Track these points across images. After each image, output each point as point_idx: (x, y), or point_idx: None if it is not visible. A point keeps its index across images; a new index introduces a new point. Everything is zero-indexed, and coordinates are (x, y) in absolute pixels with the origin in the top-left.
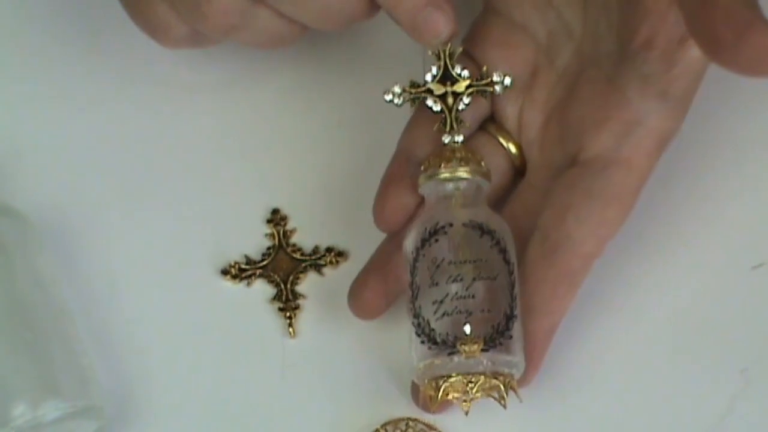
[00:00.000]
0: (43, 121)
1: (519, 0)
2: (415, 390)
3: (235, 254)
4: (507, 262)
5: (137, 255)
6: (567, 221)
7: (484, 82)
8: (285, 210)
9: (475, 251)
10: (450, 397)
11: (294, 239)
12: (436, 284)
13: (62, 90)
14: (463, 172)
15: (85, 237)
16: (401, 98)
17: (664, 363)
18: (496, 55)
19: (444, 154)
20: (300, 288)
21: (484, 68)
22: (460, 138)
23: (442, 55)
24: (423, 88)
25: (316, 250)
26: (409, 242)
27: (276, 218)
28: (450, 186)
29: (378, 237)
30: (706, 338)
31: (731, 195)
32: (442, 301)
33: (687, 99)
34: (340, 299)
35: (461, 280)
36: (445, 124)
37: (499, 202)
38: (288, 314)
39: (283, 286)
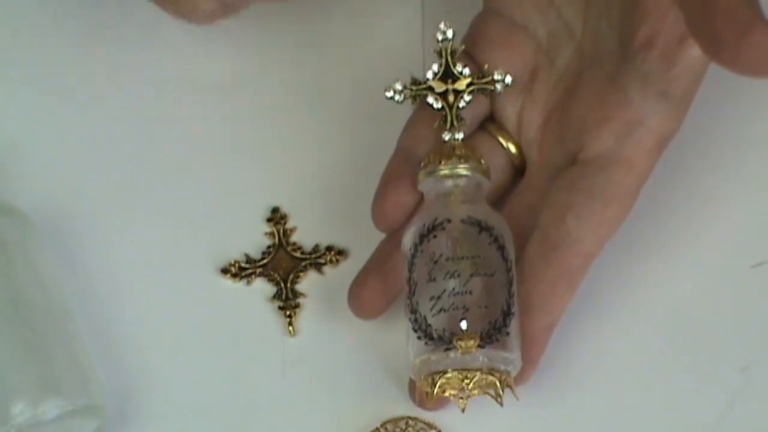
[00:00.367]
0: (43, 120)
1: (519, 0)
2: (412, 387)
3: (235, 253)
4: (505, 259)
5: (137, 254)
6: (567, 220)
7: (485, 80)
8: (285, 209)
9: (473, 248)
10: (446, 394)
11: (294, 238)
12: (434, 280)
13: (62, 89)
14: (462, 169)
15: (85, 236)
16: (402, 95)
17: (664, 362)
18: (496, 55)
19: (444, 151)
20: (300, 287)
21: (485, 66)
22: (460, 135)
23: (443, 53)
24: (424, 86)
25: (316, 248)
26: (408, 238)
27: (276, 217)
28: (449, 183)
29: (378, 235)
30: (706, 337)
31: (730, 194)
32: (439, 297)
33: (687, 99)
34: (340, 298)
35: (459, 276)
36: (445, 122)
37: (498, 201)
38: (288, 313)
39: (283, 284)
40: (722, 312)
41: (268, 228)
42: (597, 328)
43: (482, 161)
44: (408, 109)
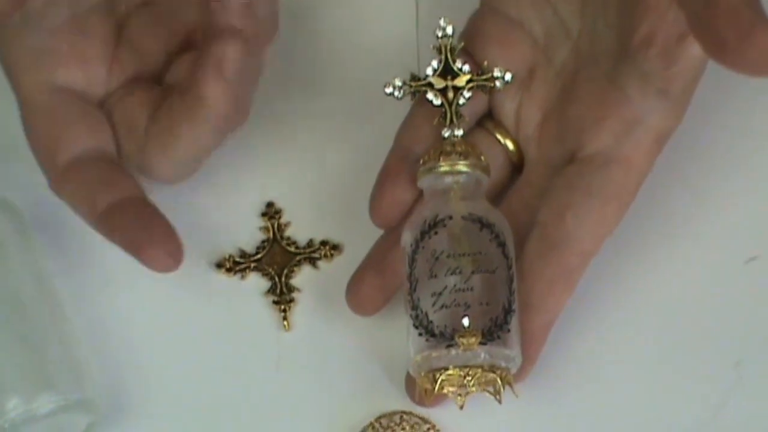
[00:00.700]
0: None
1: None
2: (409, 383)
3: (229, 247)
4: (506, 256)
5: None
6: (566, 219)
7: (484, 77)
8: (279, 203)
9: (475, 244)
10: (445, 391)
11: (288, 232)
12: (435, 276)
13: None
14: (462, 166)
15: (79, 231)
16: (402, 91)
17: (659, 357)
18: (494, 52)
19: (443, 148)
20: (294, 281)
21: (485, 63)
22: (459, 132)
23: (443, 50)
24: (424, 82)
25: (310, 243)
26: (408, 234)
27: (270, 211)
28: (449, 179)
29: (373, 231)
30: (700, 332)
31: (724, 190)
32: (440, 294)
33: (686, 97)
34: (334, 293)
35: (460, 272)
36: (444, 119)
37: (495, 198)
38: (282, 307)
39: (277, 279)
40: (716, 307)
41: (262, 222)
42: (590, 324)
43: (482, 158)
44: (402, 104)
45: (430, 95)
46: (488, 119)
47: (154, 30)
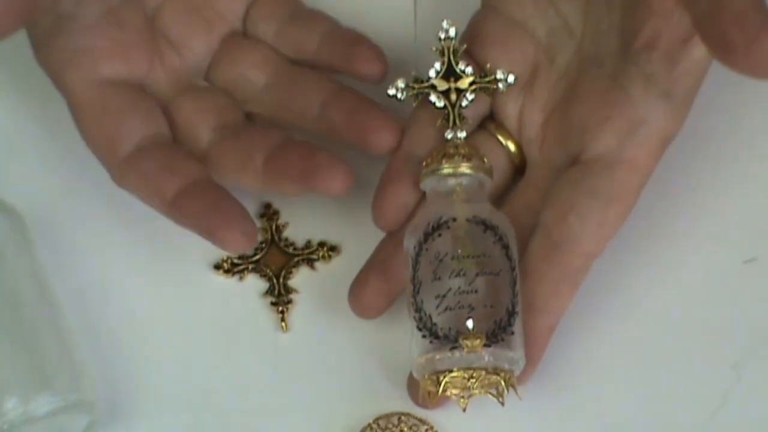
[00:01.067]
0: (35, 116)
1: None
2: (411, 385)
3: None
4: (509, 258)
5: (130, 249)
6: (569, 220)
7: (487, 79)
8: (277, 204)
9: (479, 247)
10: (448, 393)
11: (286, 234)
12: (439, 279)
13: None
14: (465, 168)
15: (77, 231)
16: (404, 93)
17: (658, 358)
18: (495, 54)
19: (446, 150)
20: (292, 282)
21: (488, 65)
22: (462, 134)
23: (445, 51)
24: (427, 84)
25: (308, 244)
26: (411, 237)
27: (268, 213)
28: (452, 181)
29: (371, 232)
30: (699, 333)
31: (723, 190)
32: (444, 296)
33: (689, 98)
34: (332, 294)
35: (464, 275)
36: (447, 121)
37: (498, 200)
38: (280, 308)
39: (275, 280)
40: (714, 307)
41: (260, 224)
42: (590, 325)
43: (485, 160)
44: (397, 104)
45: (432, 97)
46: (491, 121)
47: (187, 22)
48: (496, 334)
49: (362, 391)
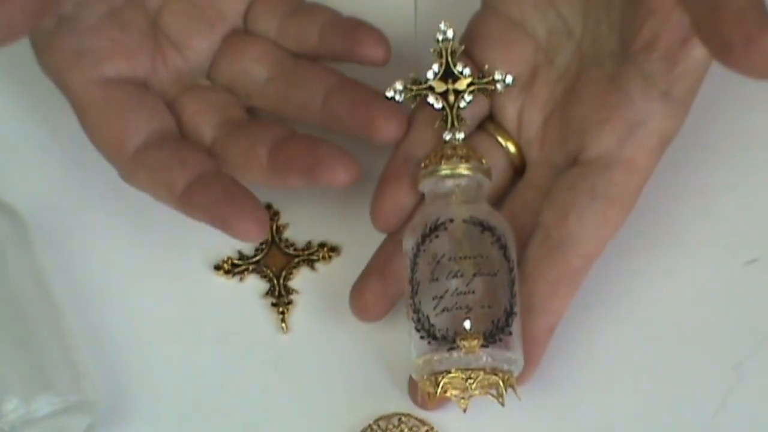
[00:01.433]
0: (36, 116)
1: None
2: (412, 386)
3: (227, 249)
4: (507, 258)
5: (130, 250)
6: (569, 221)
7: (485, 80)
8: (277, 205)
9: (476, 247)
10: (448, 394)
11: (287, 234)
12: (436, 280)
13: (55, 87)
14: (463, 169)
15: (78, 232)
16: (403, 95)
17: (658, 359)
18: (495, 54)
19: (445, 151)
20: (293, 283)
21: (486, 66)
22: (461, 135)
23: (443, 53)
24: (425, 85)
25: (308, 245)
26: (409, 238)
27: (269, 213)
28: (450, 183)
29: (371, 233)
30: (700, 334)
31: (724, 191)
32: (442, 297)
33: (689, 99)
34: (332, 294)
35: (461, 276)
36: (446, 122)
37: (497, 201)
38: (281, 309)
39: (275, 281)
40: (715, 309)
41: None
42: (591, 326)
43: (483, 161)
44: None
45: (431, 99)
46: (490, 122)
47: (189, 22)
48: (493, 335)
49: (362, 392)
